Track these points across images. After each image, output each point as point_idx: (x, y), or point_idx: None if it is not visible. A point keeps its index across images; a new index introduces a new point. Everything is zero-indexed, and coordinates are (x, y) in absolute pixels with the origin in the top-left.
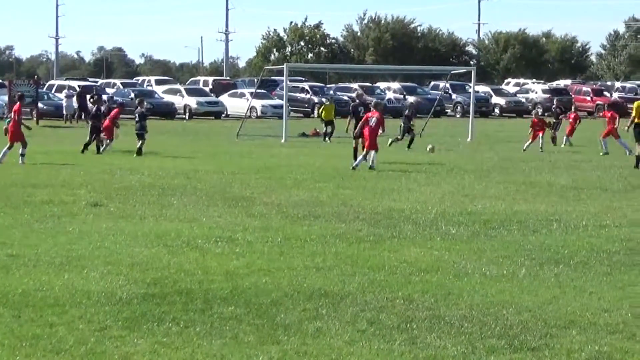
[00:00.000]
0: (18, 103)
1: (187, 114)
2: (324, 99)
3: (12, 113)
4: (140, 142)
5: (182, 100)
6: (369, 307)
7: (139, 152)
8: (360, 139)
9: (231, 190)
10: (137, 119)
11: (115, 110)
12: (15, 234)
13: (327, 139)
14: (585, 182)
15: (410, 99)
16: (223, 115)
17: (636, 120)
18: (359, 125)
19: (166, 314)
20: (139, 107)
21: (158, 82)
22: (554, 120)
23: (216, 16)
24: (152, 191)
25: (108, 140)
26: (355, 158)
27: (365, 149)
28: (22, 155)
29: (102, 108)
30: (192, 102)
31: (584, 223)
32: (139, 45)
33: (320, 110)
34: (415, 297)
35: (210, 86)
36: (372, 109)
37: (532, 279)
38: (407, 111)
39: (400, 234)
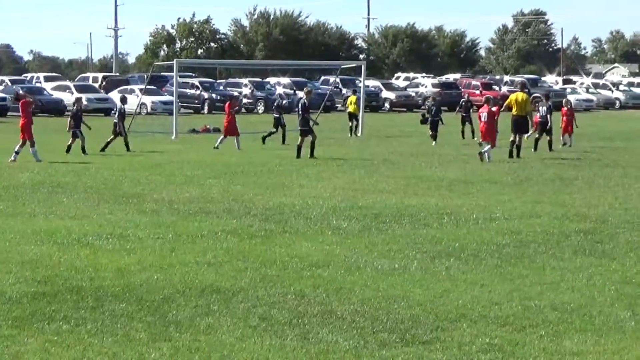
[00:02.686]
0: (25, 100)
1: None
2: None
3: (20, 111)
4: (80, 140)
5: (71, 97)
6: (261, 302)
7: (74, 149)
8: (306, 137)
9: (121, 187)
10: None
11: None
12: None
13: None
14: (474, 176)
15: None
16: (112, 111)
17: (513, 112)
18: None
19: (57, 312)
20: (75, 106)
21: (47, 79)
22: (463, 114)
23: (105, 12)
24: (42, 189)
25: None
26: (299, 154)
27: (486, 142)
28: (17, 152)
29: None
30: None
31: (474, 216)
32: (27, 42)
33: (347, 104)
34: (307, 292)
35: (101, 82)
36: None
37: (423, 273)
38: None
39: (291, 229)
